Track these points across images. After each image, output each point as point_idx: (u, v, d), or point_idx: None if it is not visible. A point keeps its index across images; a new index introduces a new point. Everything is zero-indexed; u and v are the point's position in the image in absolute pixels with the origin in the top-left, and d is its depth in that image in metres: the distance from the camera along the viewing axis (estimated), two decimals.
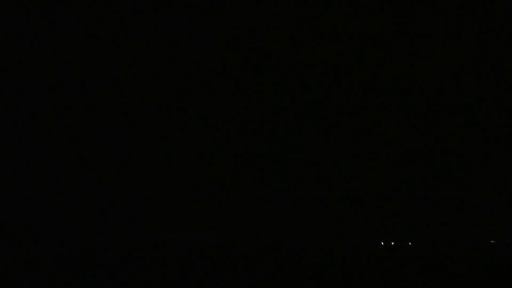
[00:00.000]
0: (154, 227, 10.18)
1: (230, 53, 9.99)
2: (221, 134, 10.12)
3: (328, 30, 9.59)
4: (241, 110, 10.13)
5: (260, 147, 10.11)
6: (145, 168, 10.15)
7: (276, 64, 9.97)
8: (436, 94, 9.89)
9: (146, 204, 10.12)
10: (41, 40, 9.91)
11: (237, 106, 10.14)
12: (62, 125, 10.06)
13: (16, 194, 9.83)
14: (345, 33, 9.63)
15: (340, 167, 10.02)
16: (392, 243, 9.79)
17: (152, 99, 10.15)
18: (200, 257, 9.26)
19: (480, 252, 9.50)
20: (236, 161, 10.17)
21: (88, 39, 9.88)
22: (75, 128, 10.05)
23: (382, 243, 9.73)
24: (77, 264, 8.75)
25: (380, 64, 9.72)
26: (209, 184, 10.19)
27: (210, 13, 9.71)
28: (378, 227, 9.91)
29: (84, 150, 10.05)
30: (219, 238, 10.39)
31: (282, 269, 8.75)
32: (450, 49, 9.66)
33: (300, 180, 10.15)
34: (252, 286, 8.02)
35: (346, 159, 10.02)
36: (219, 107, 10.16)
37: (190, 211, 10.19)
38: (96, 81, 10.07)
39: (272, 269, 8.76)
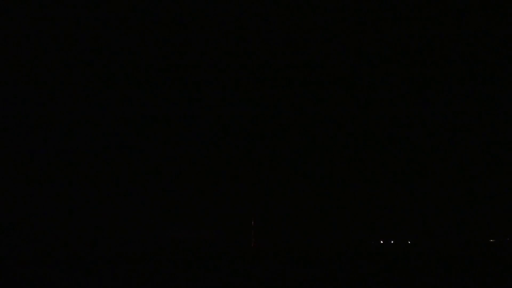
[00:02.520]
0: (154, 227, 10.22)
1: (229, 54, 9.96)
2: (222, 135, 10.12)
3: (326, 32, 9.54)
4: (241, 112, 10.12)
5: (260, 148, 10.11)
6: (145, 168, 10.17)
7: (276, 64, 9.94)
8: (437, 94, 9.85)
9: (146, 204, 10.15)
10: (41, 40, 9.91)
11: (236, 109, 10.13)
12: (62, 125, 10.09)
13: (16, 194, 9.89)
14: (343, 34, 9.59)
15: (340, 167, 10.02)
16: (392, 242, 9.80)
17: (153, 101, 10.16)
18: (200, 256, 9.28)
19: (480, 251, 9.49)
20: (236, 161, 10.17)
21: (87, 39, 9.88)
22: (75, 128, 10.08)
23: (382, 242, 9.75)
24: (77, 263, 8.77)
25: (378, 65, 9.68)
26: (209, 184, 10.21)
27: (209, 14, 9.67)
28: (378, 226, 9.92)
29: (84, 150, 10.08)
30: (219, 238, 10.42)
31: (282, 269, 8.74)
32: (449, 50, 9.60)
33: (300, 180, 10.15)
34: (252, 285, 8.03)
35: (347, 159, 10.01)
36: (219, 110, 10.16)
37: (190, 211, 10.22)
38: (95, 81, 10.09)
39: (272, 269, 8.76)
